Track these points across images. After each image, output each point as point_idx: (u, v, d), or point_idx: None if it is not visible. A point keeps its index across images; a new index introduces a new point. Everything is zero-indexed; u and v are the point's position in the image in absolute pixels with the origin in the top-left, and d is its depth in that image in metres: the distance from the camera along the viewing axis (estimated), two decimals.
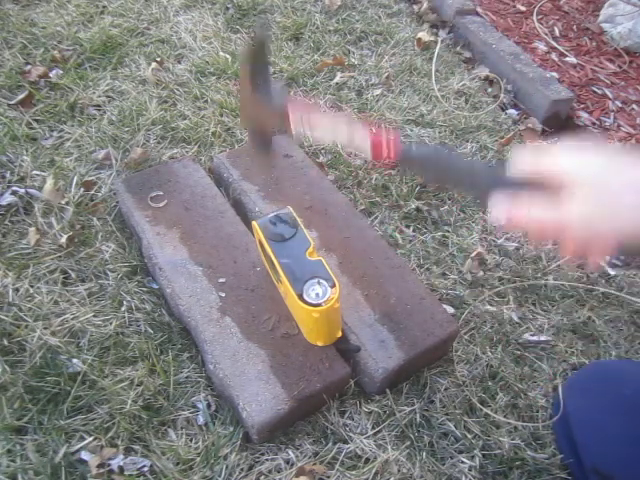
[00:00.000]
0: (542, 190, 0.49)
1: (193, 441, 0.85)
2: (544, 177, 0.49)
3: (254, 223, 0.83)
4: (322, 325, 0.84)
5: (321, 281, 0.80)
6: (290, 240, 0.81)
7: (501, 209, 0.51)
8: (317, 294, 0.79)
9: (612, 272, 1.27)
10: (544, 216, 0.48)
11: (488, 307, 1.14)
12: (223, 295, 0.95)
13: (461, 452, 0.91)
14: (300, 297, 0.79)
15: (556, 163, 0.49)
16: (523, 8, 2.17)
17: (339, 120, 0.66)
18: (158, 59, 1.53)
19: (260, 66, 0.74)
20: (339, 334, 0.89)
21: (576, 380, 0.87)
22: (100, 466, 0.80)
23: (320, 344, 0.89)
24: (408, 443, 0.90)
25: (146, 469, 0.81)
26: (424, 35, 1.82)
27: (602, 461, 0.68)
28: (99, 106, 1.39)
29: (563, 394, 0.81)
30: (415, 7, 2.06)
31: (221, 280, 0.97)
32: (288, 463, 0.85)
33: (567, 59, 1.95)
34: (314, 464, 0.85)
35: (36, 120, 1.31)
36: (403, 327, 0.95)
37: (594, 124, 1.71)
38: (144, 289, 1.03)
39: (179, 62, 1.56)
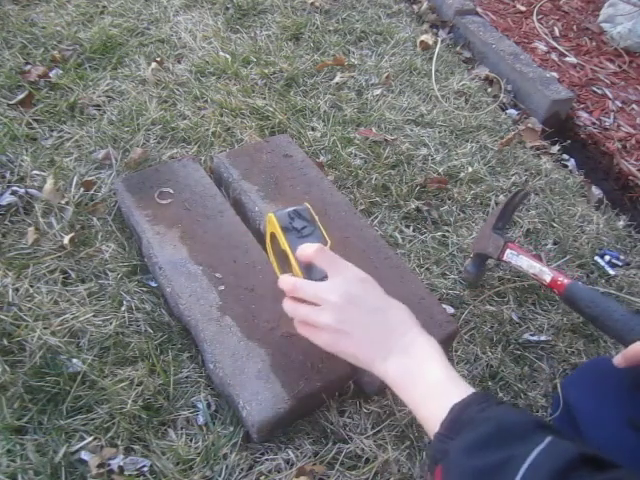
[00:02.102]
0: None
1: (193, 441, 0.85)
2: None
3: (270, 214, 0.81)
4: None
5: None
6: (308, 237, 0.79)
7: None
8: None
9: (612, 272, 1.27)
10: None
11: (488, 307, 1.14)
12: (223, 294, 0.95)
13: None
14: None
15: None
16: (523, 8, 2.17)
17: (537, 262, 1.04)
18: (158, 59, 1.53)
19: (509, 211, 1.15)
20: None
21: (574, 376, 0.88)
22: (100, 466, 0.80)
23: None
24: (408, 443, 0.90)
25: (146, 469, 0.81)
26: (427, 37, 1.82)
27: (600, 445, 0.69)
28: (99, 106, 1.39)
29: (562, 391, 0.82)
30: (415, 7, 2.06)
31: (220, 279, 0.97)
32: (288, 463, 0.85)
33: (567, 59, 1.95)
34: (314, 464, 0.85)
35: (36, 120, 1.31)
36: None
37: (594, 124, 1.71)
38: (144, 289, 1.03)
39: (179, 62, 1.57)
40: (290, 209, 0.81)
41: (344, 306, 0.68)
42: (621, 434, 0.68)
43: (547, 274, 1.02)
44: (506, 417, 0.52)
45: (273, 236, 0.83)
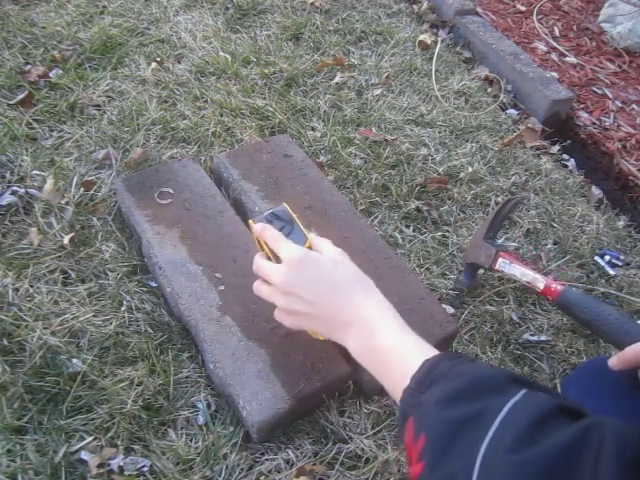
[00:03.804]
0: None
1: (193, 441, 0.85)
2: None
3: (250, 222, 0.83)
4: None
5: None
6: (288, 236, 0.81)
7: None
8: None
9: (612, 272, 1.27)
10: None
11: (488, 307, 1.14)
12: (223, 294, 0.95)
13: None
14: None
15: None
16: (523, 8, 2.17)
17: (529, 270, 1.05)
18: (158, 59, 1.53)
19: (499, 220, 1.16)
20: None
21: (574, 376, 0.88)
22: (100, 466, 0.80)
23: (322, 338, 0.89)
24: None
25: (146, 469, 0.81)
26: (425, 37, 1.82)
27: None
28: (99, 106, 1.39)
29: (562, 390, 0.82)
30: (415, 7, 2.06)
31: (220, 279, 0.97)
32: (288, 463, 0.85)
33: (567, 59, 1.95)
34: (314, 464, 0.85)
35: (36, 120, 1.31)
36: None
37: (594, 124, 1.71)
38: (144, 289, 1.03)
39: (179, 62, 1.57)
40: (267, 212, 0.83)
41: (287, 288, 0.70)
42: None
43: (540, 281, 1.02)
44: (480, 371, 0.51)
45: (258, 240, 0.85)
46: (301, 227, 0.82)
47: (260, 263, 0.76)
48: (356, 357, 0.67)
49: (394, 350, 0.61)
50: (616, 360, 0.69)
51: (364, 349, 0.65)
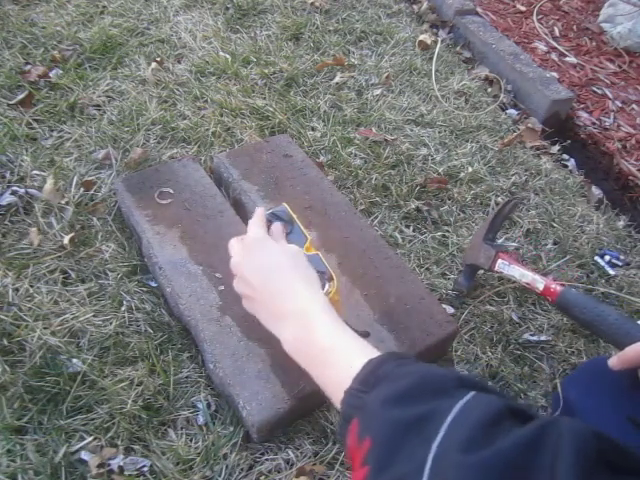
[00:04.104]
0: None
1: (193, 441, 0.85)
2: None
3: (250, 222, 0.83)
4: None
5: (318, 274, 0.79)
6: (287, 236, 0.81)
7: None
8: None
9: (612, 272, 1.27)
10: None
11: (488, 307, 1.14)
12: (223, 294, 0.95)
13: None
14: None
15: None
16: (523, 8, 2.17)
17: (529, 271, 1.05)
18: (158, 59, 1.53)
19: (499, 221, 1.15)
20: None
21: (574, 375, 0.88)
22: (100, 466, 0.80)
23: None
24: None
25: (146, 469, 0.81)
26: (425, 37, 1.82)
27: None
28: (99, 106, 1.39)
29: (562, 389, 0.82)
30: (415, 7, 2.06)
31: (220, 279, 0.97)
32: (288, 463, 0.85)
33: (567, 59, 1.95)
34: (314, 464, 0.85)
35: (36, 120, 1.31)
36: (403, 327, 0.95)
37: (594, 124, 1.71)
38: (144, 289, 1.03)
39: (179, 62, 1.57)
40: (267, 212, 0.83)
41: (237, 268, 0.73)
42: (622, 433, 0.68)
43: (539, 282, 1.02)
44: (428, 371, 0.49)
45: None
46: (301, 227, 0.82)
47: (231, 242, 0.77)
48: (289, 350, 0.64)
49: (333, 347, 0.59)
50: (616, 360, 0.69)
51: (299, 341, 0.63)
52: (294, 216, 0.83)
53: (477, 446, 0.37)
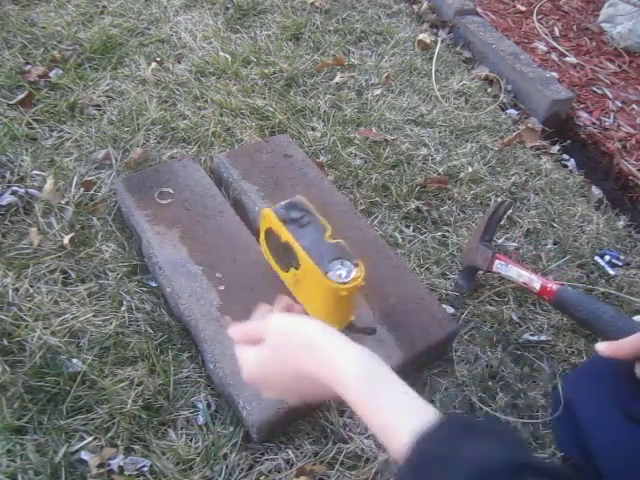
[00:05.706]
0: None
1: (193, 441, 0.85)
2: None
3: (266, 210, 0.80)
4: (343, 306, 0.82)
5: (344, 262, 0.78)
6: (307, 225, 0.79)
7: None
8: (340, 275, 0.78)
9: (612, 272, 1.27)
10: None
11: (488, 307, 1.14)
12: (223, 294, 0.95)
13: None
14: (326, 275, 0.77)
15: None
16: (523, 8, 2.17)
17: (526, 271, 1.06)
18: (158, 59, 1.53)
19: (494, 222, 1.14)
20: (353, 317, 0.87)
21: (574, 374, 0.88)
22: (100, 466, 0.80)
23: (337, 328, 0.87)
24: None
25: (146, 469, 0.81)
26: (424, 37, 1.82)
27: (601, 440, 0.69)
28: (99, 106, 1.39)
29: (562, 388, 0.82)
30: (415, 7, 2.06)
31: (220, 279, 0.97)
32: (288, 463, 0.85)
33: (567, 59, 1.95)
34: (314, 464, 0.85)
35: (36, 120, 1.31)
36: (403, 327, 0.95)
37: (594, 124, 1.71)
38: (144, 289, 1.03)
39: (179, 62, 1.57)
40: (285, 202, 0.81)
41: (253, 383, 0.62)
42: (622, 428, 0.68)
43: (536, 282, 1.03)
44: (483, 459, 0.43)
45: (269, 232, 0.83)
46: (320, 218, 0.80)
47: (237, 351, 0.64)
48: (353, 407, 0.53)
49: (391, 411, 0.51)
50: (606, 347, 0.67)
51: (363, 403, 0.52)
52: (311, 207, 0.81)
53: None
